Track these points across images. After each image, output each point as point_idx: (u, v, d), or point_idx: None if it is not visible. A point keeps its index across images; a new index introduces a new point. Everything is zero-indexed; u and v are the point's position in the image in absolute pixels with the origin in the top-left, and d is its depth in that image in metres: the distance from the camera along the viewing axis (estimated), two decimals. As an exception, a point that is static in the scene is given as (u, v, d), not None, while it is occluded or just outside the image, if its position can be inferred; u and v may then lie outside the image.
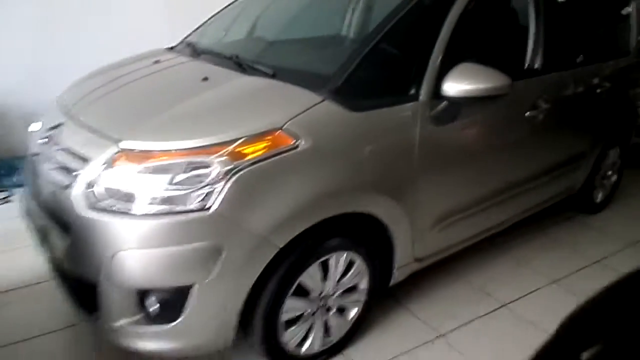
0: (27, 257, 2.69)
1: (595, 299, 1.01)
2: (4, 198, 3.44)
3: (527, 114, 2.45)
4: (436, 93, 1.98)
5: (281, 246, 1.70)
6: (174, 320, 1.65)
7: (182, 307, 1.63)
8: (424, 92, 1.97)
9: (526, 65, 2.52)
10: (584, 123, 3.04)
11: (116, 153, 1.64)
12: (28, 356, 2.10)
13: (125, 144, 1.65)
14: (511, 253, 3.00)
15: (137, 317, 1.66)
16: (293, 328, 1.92)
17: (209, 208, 1.56)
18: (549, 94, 2.57)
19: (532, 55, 2.52)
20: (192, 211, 1.55)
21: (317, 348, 2.03)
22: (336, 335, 2.09)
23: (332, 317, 2.04)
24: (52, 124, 1.94)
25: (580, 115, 2.96)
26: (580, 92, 2.88)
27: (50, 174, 1.79)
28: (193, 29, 2.89)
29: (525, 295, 2.61)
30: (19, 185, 3.56)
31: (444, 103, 2.01)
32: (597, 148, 3.20)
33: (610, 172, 3.57)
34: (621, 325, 0.95)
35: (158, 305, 1.65)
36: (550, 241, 3.18)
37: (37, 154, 1.95)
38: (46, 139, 1.92)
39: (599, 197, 3.55)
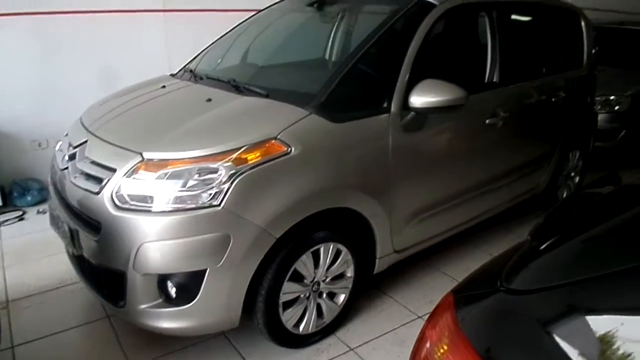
0: (44, 266, 3.04)
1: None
2: (18, 217, 3.73)
3: (488, 121, 2.82)
4: (405, 105, 2.34)
5: (278, 237, 2.02)
6: (190, 302, 1.96)
7: (197, 290, 1.94)
8: (394, 105, 2.32)
9: (486, 79, 2.89)
10: (543, 128, 3.41)
11: (138, 163, 1.97)
12: (55, 347, 2.38)
13: (145, 155, 1.98)
14: (484, 248, 3.34)
15: (159, 300, 1.98)
16: (291, 309, 2.23)
17: (217, 205, 1.88)
18: (507, 103, 2.94)
19: (490, 70, 2.89)
20: (203, 208, 1.88)
21: (312, 328, 2.34)
22: (328, 317, 2.40)
23: (323, 301, 2.35)
24: (78, 142, 2.26)
25: (538, 121, 3.33)
26: (537, 100, 3.26)
27: (80, 183, 2.11)
28: (188, 57, 3.23)
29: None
30: (32, 204, 3.87)
31: (412, 114, 2.37)
32: (557, 151, 3.57)
33: (573, 174, 3.95)
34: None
35: (176, 288, 1.97)
36: (519, 238, 3.50)
37: (65, 169, 2.27)
38: (74, 155, 2.23)
39: (564, 196, 3.90)
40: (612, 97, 4.78)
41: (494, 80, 2.90)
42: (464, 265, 3.11)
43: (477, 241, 3.38)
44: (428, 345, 1.09)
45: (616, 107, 4.78)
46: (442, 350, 1.03)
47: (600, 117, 4.49)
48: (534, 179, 3.48)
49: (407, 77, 2.36)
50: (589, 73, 3.80)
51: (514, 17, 3.22)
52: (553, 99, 3.37)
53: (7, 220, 3.66)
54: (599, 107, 4.65)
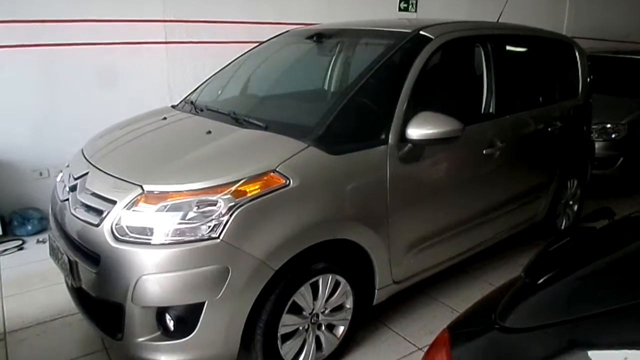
0: (43, 297, 3.02)
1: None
2: (18, 246, 3.73)
3: (485, 151, 2.84)
4: (402, 137, 2.37)
5: (276, 269, 2.02)
6: (188, 335, 1.95)
7: (195, 322, 1.93)
8: (392, 137, 2.35)
9: (482, 109, 2.93)
10: (540, 158, 3.43)
11: (138, 195, 1.99)
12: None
13: (146, 187, 2.00)
14: (483, 278, 3.33)
15: (157, 333, 1.97)
16: (289, 342, 2.21)
17: (216, 237, 1.89)
18: (503, 133, 2.97)
19: (486, 101, 2.93)
20: (202, 240, 1.89)
21: (310, 362, 2.32)
22: (327, 350, 2.38)
23: (322, 333, 2.34)
24: (80, 173, 2.29)
25: (535, 150, 3.36)
26: (534, 130, 3.30)
27: (80, 215, 2.12)
28: (189, 88, 3.28)
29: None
30: (32, 234, 3.87)
31: (409, 145, 2.39)
32: (555, 180, 3.59)
33: (571, 202, 3.96)
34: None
35: (174, 321, 1.96)
36: (518, 266, 3.50)
37: (65, 200, 2.28)
38: (75, 186, 2.25)
39: (563, 224, 3.91)
40: (608, 125, 4.82)
41: (491, 110, 2.94)
42: (463, 295, 3.11)
43: (476, 271, 3.37)
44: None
45: (613, 135, 4.82)
46: (437, 388, 1.03)
47: (598, 145, 4.53)
48: (533, 207, 3.48)
49: (404, 109, 2.39)
50: (585, 102, 3.85)
51: (509, 48, 3.28)
52: (549, 129, 3.41)
53: (6, 250, 3.66)
54: (596, 135, 4.69)
